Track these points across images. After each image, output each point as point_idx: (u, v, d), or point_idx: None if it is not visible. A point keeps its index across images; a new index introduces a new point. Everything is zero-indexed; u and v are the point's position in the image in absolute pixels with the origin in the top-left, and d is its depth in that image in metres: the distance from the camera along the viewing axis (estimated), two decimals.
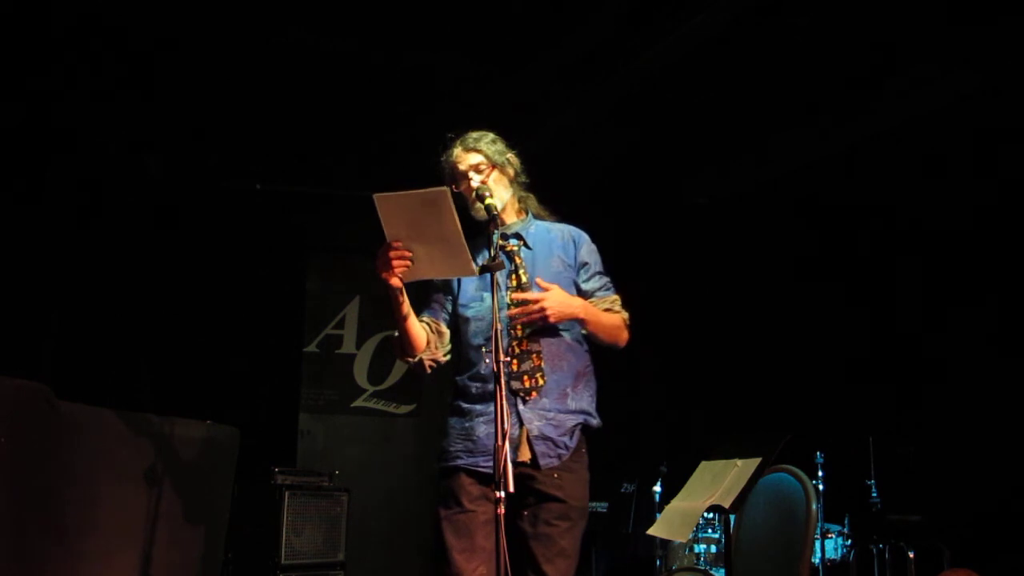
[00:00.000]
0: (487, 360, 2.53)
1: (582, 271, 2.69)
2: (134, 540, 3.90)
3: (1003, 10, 4.14)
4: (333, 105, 5.24)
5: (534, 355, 2.53)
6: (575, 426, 2.57)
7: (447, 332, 2.63)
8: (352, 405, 5.92)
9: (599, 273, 2.73)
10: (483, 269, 2.38)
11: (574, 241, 2.72)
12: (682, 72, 4.72)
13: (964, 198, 4.79)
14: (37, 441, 3.39)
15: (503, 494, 2.12)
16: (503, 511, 2.13)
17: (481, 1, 4.31)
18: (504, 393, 2.20)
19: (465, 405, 2.57)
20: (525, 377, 2.51)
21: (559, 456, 2.52)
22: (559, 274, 2.62)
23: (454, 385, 2.65)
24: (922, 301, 4.98)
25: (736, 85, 4.94)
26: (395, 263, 2.31)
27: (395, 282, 2.35)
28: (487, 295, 2.58)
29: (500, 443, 2.16)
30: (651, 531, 3.11)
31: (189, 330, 5.33)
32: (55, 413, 3.48)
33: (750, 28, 4.35)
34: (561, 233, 2.73)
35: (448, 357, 2.64)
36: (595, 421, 2.63)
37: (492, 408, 2.48)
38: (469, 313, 2.61)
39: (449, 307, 2.65)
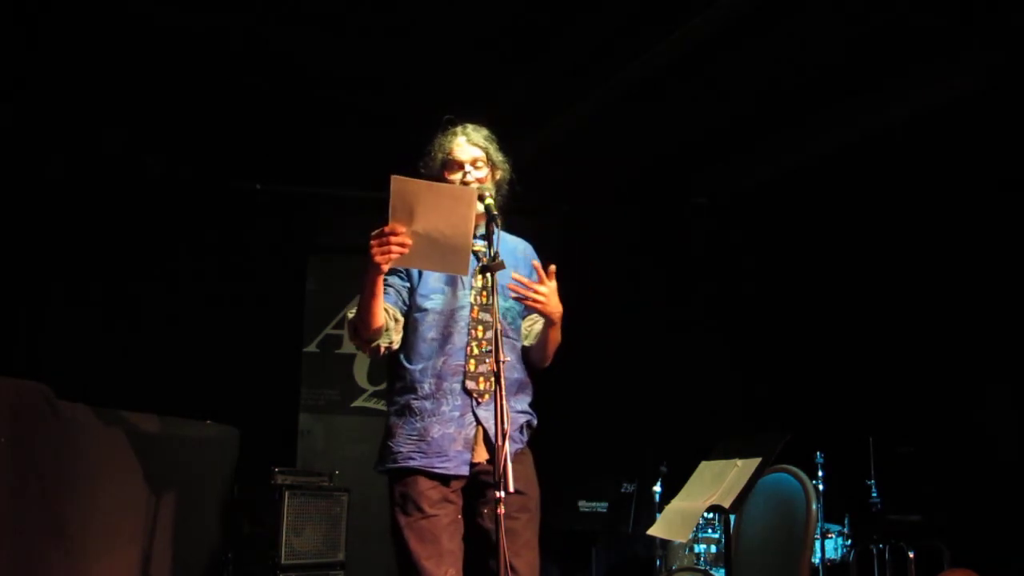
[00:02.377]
0: (444, 357, 2.51)
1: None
2: (134, 540, 3.90)
3: (1004, 9, 4.14)
4: (334, 105, 5.24)
5: (491, 359, 2.52)
6: (523, 423, 2.63)
7: (402, 319, 2.59)
8: (352, 405, 5.92)
9: None
10: (484, 269, 2.37)
11: (529, 260, 2.75)
12: (682, 72, 4.72)
13: (965, 197, 4.78)
14: (37, 441, 3.39)
15: (503, 494, 2.12)
16: (503, 511, 2.13)
17: (481, 4, 4.31)
18: (502, 393, 2.20)
19: (416, 403, 2.53)
20: (481, 379, 2.52)
21: (515, 451, 2.57)
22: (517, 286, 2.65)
23: (399, 378, 2.58)
24: (923, 300, 4.97)
25: (735, 85, 4.94)
26: (394, 248, 2.25)
27: (386, 267, 2.31)
28: (448, 289, 2.59)
29: (500, 443, 2.15)
30: (651, 531, 3.11)
31: (189, 330, 5.33)
32: (55, 413, 3.49)
33: (749, 28, 4.35)
34: (518, 246, 2.78)
35: (399, 344, 2.58)
36: (535, 420, 2.68)
37: (444, 408, 2.50)
38: (428, 304, 2.57)
39: (405, 295, 2.61)
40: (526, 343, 2.71)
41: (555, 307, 2.52)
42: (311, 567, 4.51)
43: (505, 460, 2.14)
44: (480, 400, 2.51)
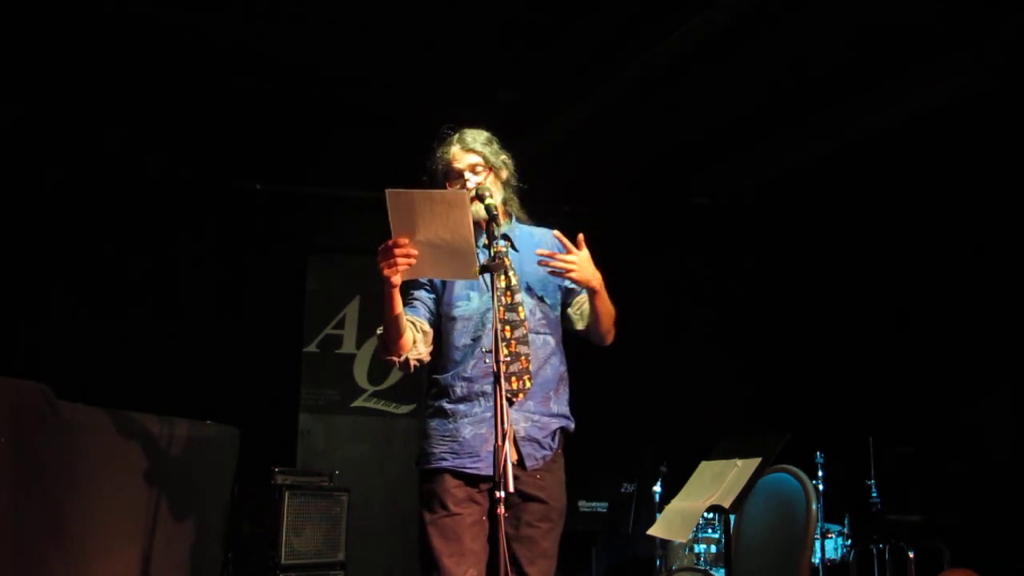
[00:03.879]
0: (475, 360, 2.53)
1: None
2: (134, 540, 3.90)
3: (1003, 9, 4.14)
4: (334, 105, 5.24)
5: (523, 358, 2.53)
6: (557, 429, 2.60)
7: (431, 331, 2.60)
8: (352, 405, 5.92)
9: None
10: (483, 269, 2.37)
11: (557, 248, 2.72)
12: (682, 72, 4.72)
13: (965, 197, 4.79)
14: (37, 441, 3.39)
15: (503, 494, 2.12)
16: (503, 511, 2.13)
17: (481, 3, 4.31)
18: (502, 393, 2.20)
19: (448, 406, 2.54)
20: (513, 379, 2.51)
21: (543, 458, 2.55)
22: (544, 279, 2.63)
23: (434, 385, 2.61)
24: (923, 300, 4.97)
25: (736, 85, 4.94)
26: (400, 261, 2.25)
27: (397, 280, 2.31)
28: (474, 294, 2.58)
29: (500, 443, 2.15)
30: (651, 531, 3.11)
31: (189, 330, 5.33)
32: (55, 413, 3.49)
33: (749, 28, 4.35)
34: (544, 238, 2.74)
35: (430, 356, 2.60)
36: (572, 425, 2.66)
37: (476, 409, 2.51)
38: (455, 312, 2.58)
39: (432, 306, 2.62)
40: (580, 326, 2.69)
41: (591, 275, 2.50)
42: (311, 567, 4.51)
43: (505, 460, 2.14)
44: (513, 400, 2.50)
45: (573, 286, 2.67)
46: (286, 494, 4.46)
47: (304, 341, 5.91)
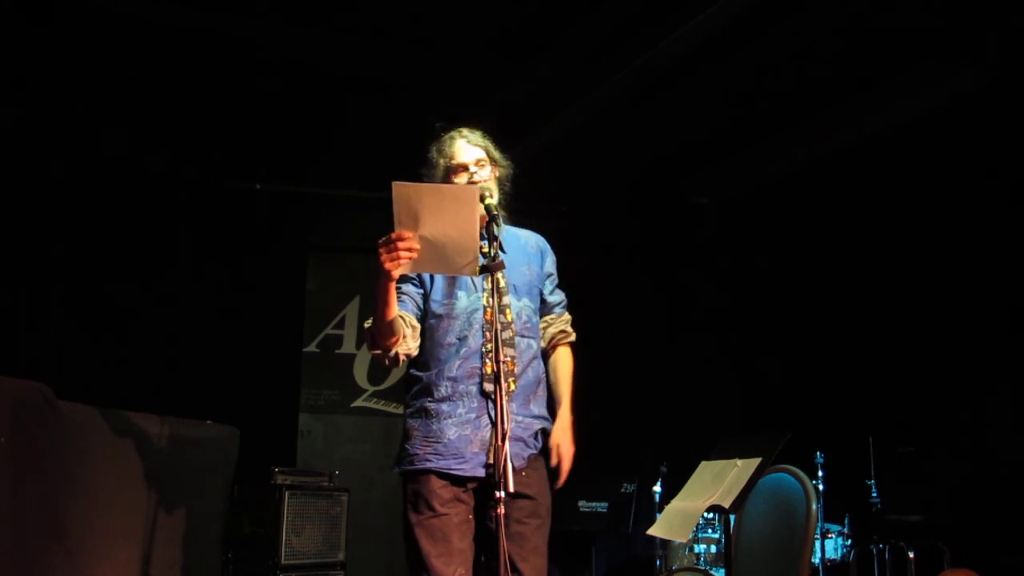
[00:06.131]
0: (460, 360, 2.53)
1: (547, 281, 2.77)
2: (134, 540, 3.91)
3: (1003, 10, 4.14)
4: (334, 104, 5.24)
5: (509, 360, 2.54)
6: (539, 429, 2.64)
7: (419, 326, 2.60)
8: (352, 405, 5.92)
9: (559, 287, 2.84)
10: (483, 269, 2.37)
11: (541, 252, 2.79)
12: (682, 72, 4.72)
13: (965, 197, 4.78)
14: (37, 441, 3.39)
15: (503, 494, 2.12)
16: (503, 511, 2.14)
17: (480, 4, 4.31)
18: (502, 393, 2.21)
19: (431, 405, 2.54)
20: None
21: (529, 457, 2.58)
22: (529, 282, 2.68)
23: (415, 382, 2.61)
24: (923, 300, 4.97)
25: (736, 85, 4.94)
26: (402, 254, 2.24)
27: (396, 273, 2.30)
28: (462, 293, 2.59)
29: (500, 443, 2.16)
30: (651, 531, 3.11)
31: (189, 330, 5.33)
32: (55, 413, 3.49)
33: (749, 28, 4.35)
34: (529, 241, 2.78)
35: (417, 352, 2.60)
36: (551, 425, 2.69)
37: (460, 410, 2.51)
38: (443, 310, 2.58)
39: (420, 301, 2.62)
40: (541, 343, 2.73)
41: (571, 443, 2.66)
42: (311, 567, 4.51)
43: (505, 460, 2.15)
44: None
45: (549, 297, 2.77)
46: (286, 494, 4.46)
47: (304, 341, 5.91)
